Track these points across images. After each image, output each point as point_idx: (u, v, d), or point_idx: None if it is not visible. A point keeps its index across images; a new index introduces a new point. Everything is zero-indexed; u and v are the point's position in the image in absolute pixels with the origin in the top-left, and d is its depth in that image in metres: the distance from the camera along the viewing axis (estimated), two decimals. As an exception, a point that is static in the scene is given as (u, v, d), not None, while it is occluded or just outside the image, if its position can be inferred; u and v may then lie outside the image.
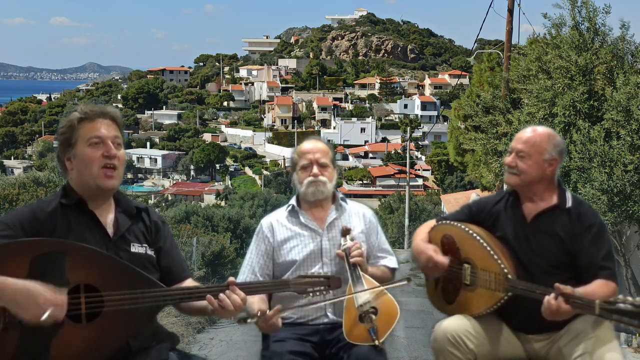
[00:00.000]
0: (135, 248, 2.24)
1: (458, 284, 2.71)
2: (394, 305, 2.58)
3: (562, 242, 2.55)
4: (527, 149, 2.61)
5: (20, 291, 1.89)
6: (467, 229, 2.69)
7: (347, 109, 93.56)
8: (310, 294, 2.38)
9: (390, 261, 2.91)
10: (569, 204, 2.61)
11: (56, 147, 2.26)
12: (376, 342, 2.46)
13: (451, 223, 2.78)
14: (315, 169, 2.78)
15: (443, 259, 2.67)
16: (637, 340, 6.25)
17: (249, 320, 2.38)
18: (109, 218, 2.24)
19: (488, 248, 2.58)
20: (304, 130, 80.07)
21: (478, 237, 2.63)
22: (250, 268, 2.81)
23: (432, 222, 2.92)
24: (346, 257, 2.68)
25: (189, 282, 2.37)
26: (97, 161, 2.15)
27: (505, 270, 2.51)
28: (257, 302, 2.61)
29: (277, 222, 2.86)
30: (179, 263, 2.40)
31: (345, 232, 2.75)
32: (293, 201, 2.90)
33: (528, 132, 2.67)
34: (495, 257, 2.55)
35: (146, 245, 2.28)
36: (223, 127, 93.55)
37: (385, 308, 2.57)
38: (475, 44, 24.08)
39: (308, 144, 2.86)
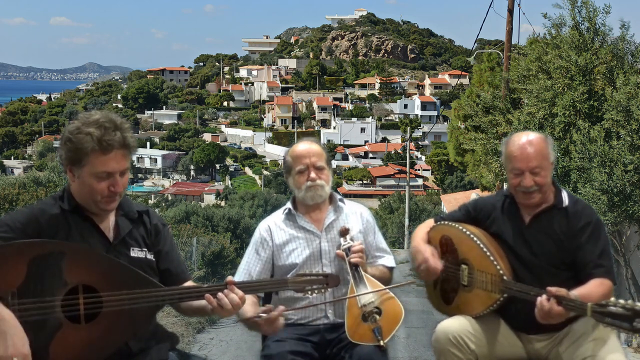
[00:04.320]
0: (135, 252, 2.23)
1: (456, 284, 2.72)
2: (399, 306, 2.58)
3: (560, 241, 2.55)
4: (540, 162, 2.51)
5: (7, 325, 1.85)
6: (464, 230, 2.69)
7: (347, 109, 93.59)
8: (309, 292, 2.37)
9: (388, 260, 2.90)
10: (566, 202, 2.61)
11: (60, 150, 2.15)
12: (381, 342, 2.46)
13: (450, 224, 2.79)
14: (312, 174, 2.74)
15: (437, 265, 2.67)
16: (637, 340, 6.25)
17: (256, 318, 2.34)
18: (109, 222, 2.23)
19: (485, 249, 2.59)
20: (304, 130, 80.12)
21: (475, 239, 2.63)
22: (246, 272, 2.78)
23: (430, 222, 2.92)
24: (346, 256, 2.67)
25: (189, 284, 2.36)
26: (100, 192, 2.11)
27: (501, 272, 2.52)
28: (249, 305, 2.54)
29: (274, 226, 2.84)
30: (178, 265, 2.39)
31: (344, 232, 2.75)
32: (289, 204, 2.87)
33: (527, 146, 2.52)
34: (492, 258, 2.56)
35: (146, 249, 2.27)
36: (223, 127, 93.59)
37: (390, 309, 2.57)
38: (475, 44, 24.11)
39: (302, 147, 2.81)
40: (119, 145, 2.10)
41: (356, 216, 2.89)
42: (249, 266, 2.79)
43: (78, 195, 2.17)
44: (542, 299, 2.29)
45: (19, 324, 1.87)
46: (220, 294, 2.17)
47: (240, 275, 2.78)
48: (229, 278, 2.23)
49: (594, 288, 2.41)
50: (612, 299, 2.15)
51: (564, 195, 2.63)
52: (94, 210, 2.17)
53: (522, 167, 2.52)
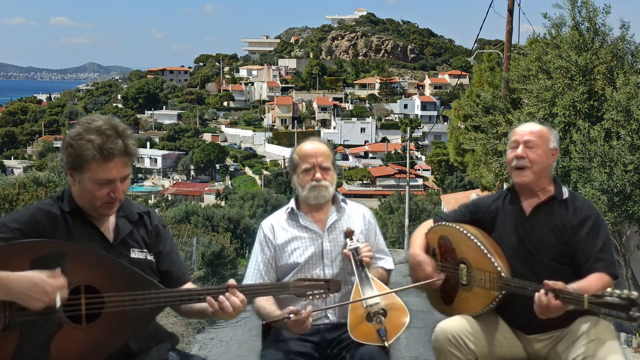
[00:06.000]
0: (135, 254, 2.23)
1: (455, 284, 2.73)
2: (404, 308, 2.58)
3: (560, 233, 2.57)
4: (535, 138, 2.62)
5: (27, 283, 1.89)
6: (461, 229, 2.71)
7: (347, 109, 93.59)
8: (310, 297, 2.37)
9: (387, 262, 2.91)
10: (566, 195, 2.65)
11: (61, 154, 2.14)
12: (386, 344, 2.46)
13: (447, 224, 2.80)
14: (318, 174, 2.74)
15: (438, 281, 2.72)
16: (637, 340, 6.25)
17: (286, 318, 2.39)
18: (109, 223, 2.23)
19: (482, 247, 2.60)
20: (304, 130, 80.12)
21: (472, 237, 2.65)
22: (258, 272, 2.77)
23: (429, 222, 2.93)
24: (353, 257, 2.67)
25: (189, 286, 2.36)
26: (100, 198, 2.12)
27: (499, 269, 2.53)
28: (272, 305, 2.62)
29: (277, 224, 2.84)
30: (178, 267, 2.39)
31: (350, 233, 2.75)
32: (292, 203, 2.87)
33: (529, 125, 2.68)
34: (489, 255, 2.57)
35: (146, 250, 2.27)
36: (223, 127, 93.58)
37: (395, 310, 2.57)
38: (475, 44, 24.10)
39: (309, 146, 2.80)
40: (120, 153, 2.08)
41: (358, 217, 2.89)
42: (259, 266, 2.79)
43: (78, 199, 2.17)
44: (539, 294, 2.30)
45: (38, 273, 1.92)
46: (221, 297, 2.17)
47: (251, 275, 2.77)
48: (231, 281, 2.23)
49: (592, 281, 2.41)
50: (609, 289, 2.14)
51: (564, 189, 2.68)
52: (93, 214, 2.18)
53: (518, 139, 2.65)
